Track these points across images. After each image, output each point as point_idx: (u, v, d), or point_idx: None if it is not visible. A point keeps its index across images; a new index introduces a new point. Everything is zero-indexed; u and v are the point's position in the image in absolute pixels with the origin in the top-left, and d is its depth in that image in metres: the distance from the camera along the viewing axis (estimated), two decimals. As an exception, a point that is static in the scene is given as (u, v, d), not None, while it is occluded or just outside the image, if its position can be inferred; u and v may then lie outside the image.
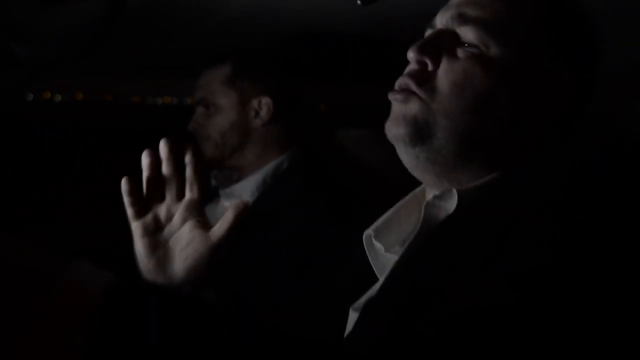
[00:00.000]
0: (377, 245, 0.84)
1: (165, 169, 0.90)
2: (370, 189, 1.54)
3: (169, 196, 0.91)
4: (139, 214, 0.90)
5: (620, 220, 0.61)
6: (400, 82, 0.81)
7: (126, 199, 0.89)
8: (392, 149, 0.83)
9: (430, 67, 0.79)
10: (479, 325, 0.53)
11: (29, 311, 0.45)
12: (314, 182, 1.52)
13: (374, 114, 0.96)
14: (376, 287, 0.80)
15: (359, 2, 1.15)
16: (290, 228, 1.41)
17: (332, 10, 1.42)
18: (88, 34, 1.30)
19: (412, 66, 0.81)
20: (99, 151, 2.06)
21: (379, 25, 1.47)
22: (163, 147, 0.89)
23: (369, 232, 0.85)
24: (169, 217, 0.91)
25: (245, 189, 1.57)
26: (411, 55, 0.80)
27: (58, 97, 2.00)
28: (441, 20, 0.82)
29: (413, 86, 0.79)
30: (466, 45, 0.79)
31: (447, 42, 0.80)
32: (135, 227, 0.90)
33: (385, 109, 0.84)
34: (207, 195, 1.69)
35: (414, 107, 0.79)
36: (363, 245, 0.85)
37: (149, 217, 0.90)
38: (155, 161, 0.89)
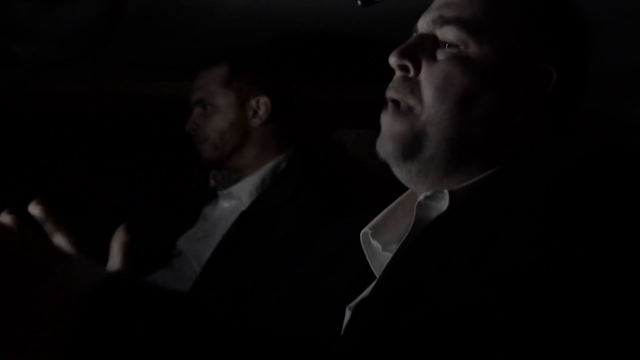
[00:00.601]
0: (375, 244, 0.84)
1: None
2: (369, 188, 1.55)
3: None
4: None
5: (610, 220, 0.60)
6: (387, 94, 0.82)
7: None
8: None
9: (412, 72, 0.80)
10: (464, 326, 0.52)
11: (10, 298, 0.45)
12: (311, 182, 1.52)
13: (374, 114, 0.96)
14: (371, 286, 0.80)
15: (359, 3, 1.15)
16: (287, 228, 1.41)
17: (331, 10, 1.41)
18: (88, 34, 1.30)
19: (396, 75, 0.82)
20: (99, 151, 2.06)
21: (379, 25, 1.47)
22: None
23: (366, 230, 0.85)
24: None
25: (244, 190, 1.56)
26: (392, 60, 0.81)
27: (58, 96, 2.00)
28: (422, 25, 0.83)
29: (399, 97, 0.80)
30: (447, 46, 0.79)
31: (427, 46, 0.80)
32: None
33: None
34: (206, 196, 1.69)
35: (402, 124, 0.80)
36: (361, 244, 0.85)
37: None
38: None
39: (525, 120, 0.80)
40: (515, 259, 0.59)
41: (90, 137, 2.06)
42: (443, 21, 0.80)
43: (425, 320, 0.54)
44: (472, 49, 0.78)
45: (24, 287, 0.45)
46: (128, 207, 1.98)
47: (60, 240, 0.74)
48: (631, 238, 0.59)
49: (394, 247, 0.82)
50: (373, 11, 1.26)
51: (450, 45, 0.79)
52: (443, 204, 0.78)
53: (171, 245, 1.65)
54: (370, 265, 0.84)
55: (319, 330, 0.82)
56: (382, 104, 0.85)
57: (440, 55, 0.80)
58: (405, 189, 0.87)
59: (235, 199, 1.57)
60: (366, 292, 0.80)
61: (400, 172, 0.82)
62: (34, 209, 0.73)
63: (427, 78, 0.79)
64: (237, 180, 1.61)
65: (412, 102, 0.80)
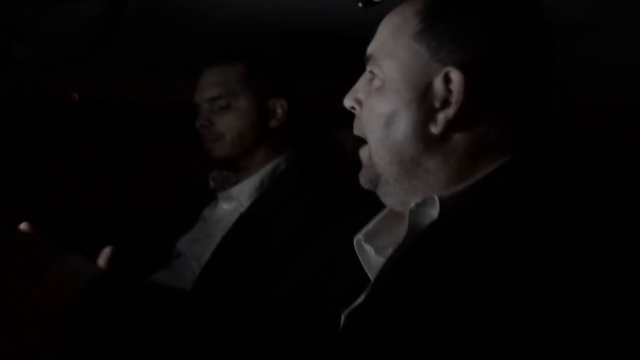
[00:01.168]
0: (368, 248, 0.85)
1: None
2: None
3: None
4: None
5: (604, 223, 0.60)
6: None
7: None
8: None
9: (358, 112, 0.87)
10: (457, 331, 0.52)
11: (4, 295, 0.45)
12: (311, 183, 1.51)
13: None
14: (365, 293, 0.80)
15: (360, 4, 1.15)
16: (286, 230, 1.41)
17: (332, 11, 1.42)
18: (89, 34, 1.30)
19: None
20: (98, 151, 2.06)
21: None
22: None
23: (359, 236, 0.86)
24: None
25: (244, 192, 1.56)
26: (344, 103, 0.89)
27: (57, 97, 2.00)
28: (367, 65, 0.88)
29: (357, 135, 0.87)
30: (374, 79, 0.85)
31: (365, 83, 0.87)
32: None
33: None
34: (206, 198, 1.69)
35: (363, 158, 0.87)
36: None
37: None
38: None
39: (469, 124, 0.79)
40: (513, 264, 0.59)
41: (90, 138, 2.06)
42: (368, 57, 0.86)
43: (421, 328, 0.54)
44: (382, 76, 0.83)
45: (18, 284, 0.45)
46: (128, 207, 1.98)
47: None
48: (629, 247, 0.59)
49: (388, 252, 0.82)
50: (373, 12, 1.26)
51: (375, 77, 0.85)
52: (434, 210, 0.78)
53: (171, 246, 1.65)
54: (366, 270, 0.84)
55: (316, 336, 0.82)
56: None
57: (371, 88, 0.86)
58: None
59: (235, 200, 1.57)
60: (360, 299, 0.80)
61: (381, 198, 0.87)
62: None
63: (365, 112, 0.86)
64: (236, 182, 1.60)
65: (365, 135, 0.86)
